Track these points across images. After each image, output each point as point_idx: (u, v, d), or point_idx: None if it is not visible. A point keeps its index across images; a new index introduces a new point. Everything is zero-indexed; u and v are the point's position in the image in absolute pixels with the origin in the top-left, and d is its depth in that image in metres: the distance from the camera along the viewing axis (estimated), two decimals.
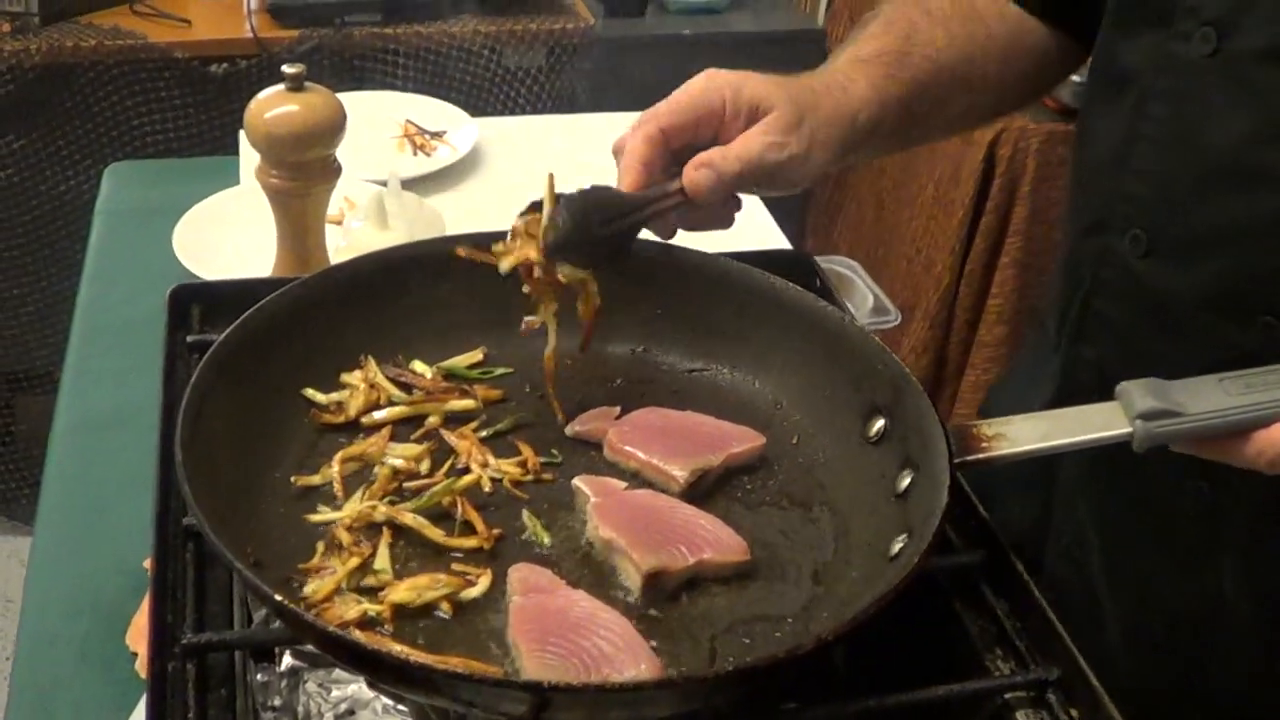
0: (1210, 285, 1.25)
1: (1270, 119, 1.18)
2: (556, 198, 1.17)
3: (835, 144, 1.30)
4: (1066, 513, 1.48)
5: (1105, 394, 1.16)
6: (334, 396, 1.25)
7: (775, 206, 2.29)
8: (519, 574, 1.05)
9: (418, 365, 1.30)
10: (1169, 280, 1.28)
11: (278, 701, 1.23)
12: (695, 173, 1.23)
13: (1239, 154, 1.20)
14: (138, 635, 1.47)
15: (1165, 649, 1.41)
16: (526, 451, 1.21)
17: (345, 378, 1.26)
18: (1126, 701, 1.03)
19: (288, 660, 1.26)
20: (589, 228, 1.17)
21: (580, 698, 0.88)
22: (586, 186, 1.19)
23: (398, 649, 0.93)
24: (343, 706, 1.24)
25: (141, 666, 1.42)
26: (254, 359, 1.17)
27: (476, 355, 1.32)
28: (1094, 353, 1.40)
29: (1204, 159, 1.23)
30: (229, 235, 2.09)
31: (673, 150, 1.25)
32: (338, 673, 1.25)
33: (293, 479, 1.17)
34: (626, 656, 0.96)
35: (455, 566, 1.09)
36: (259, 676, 1.24)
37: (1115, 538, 1.43)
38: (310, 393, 1.24)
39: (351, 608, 1.03)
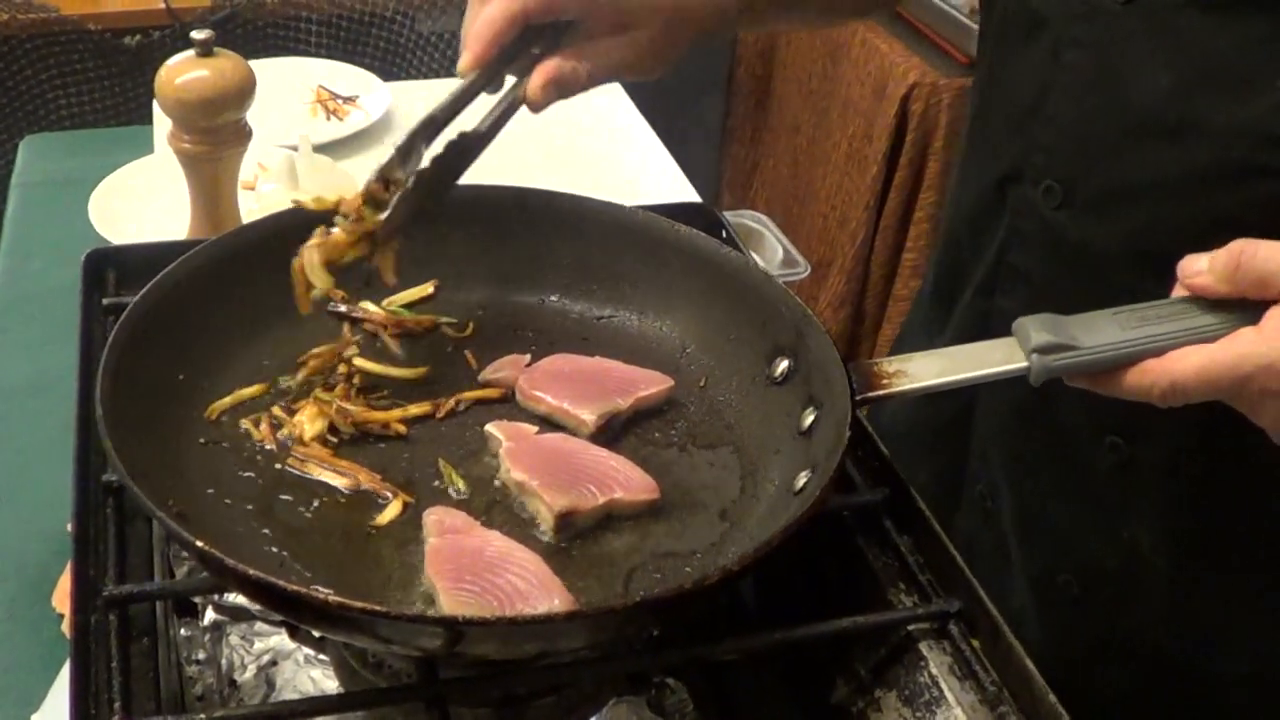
0: (1130, 239, 1.23)
1: (1193, 70, 1.15)
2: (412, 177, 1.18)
3: (694, 42, 1.27)
4: (981, 464, 1.49)
5: None
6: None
7: (690, 165, 2.31)
8: (434, 516, 1.07)
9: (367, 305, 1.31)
10: (1086, 233, 1.26)
11: (202, 655, 1.25)
12: (543, 91, 1.17)
13: (1161, 106, 1.17)
14: (63, 597, 1.48)
15: (1080, 602, 1.42)
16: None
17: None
18: (1038, 659, 1.02)
19: (210, 615, 1.28)
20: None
21: (493, 630, 0.90)
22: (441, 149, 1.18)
23: (318, 592, 0.95)
24: (265, 658, 1.26)
25: (67, 626, 1.43)
26: (171, 315, 1.18)
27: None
28: (1009, 304, 1.36)
29: (1124, 110, 1.20)
30: (144, 203, 2.09)
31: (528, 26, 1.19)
32: (260, 625, 1.28)
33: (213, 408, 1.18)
34: (540, 592, 0.98)
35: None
36: (183, 631, 1.26)
37: (1029, 490, 1.44)
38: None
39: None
